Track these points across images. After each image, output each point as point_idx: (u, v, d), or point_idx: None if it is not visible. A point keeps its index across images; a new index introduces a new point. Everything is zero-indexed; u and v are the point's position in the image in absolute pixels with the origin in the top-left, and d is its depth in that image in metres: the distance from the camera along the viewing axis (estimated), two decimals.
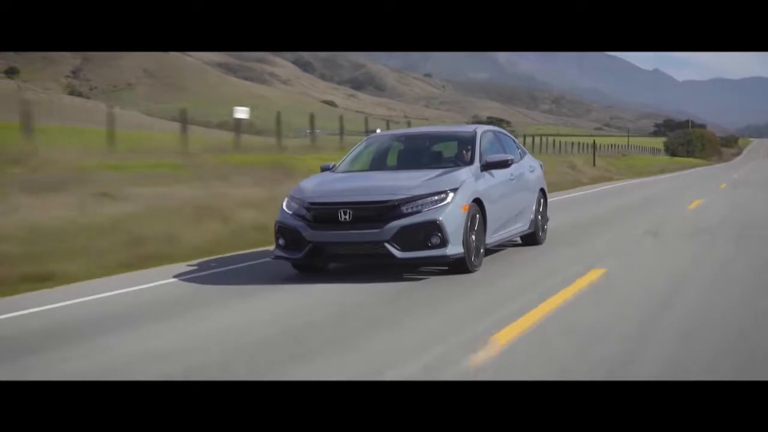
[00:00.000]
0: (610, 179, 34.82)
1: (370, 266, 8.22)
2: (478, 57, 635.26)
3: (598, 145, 49.64)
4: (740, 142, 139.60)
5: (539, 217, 10.35)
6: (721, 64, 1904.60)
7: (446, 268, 8.08)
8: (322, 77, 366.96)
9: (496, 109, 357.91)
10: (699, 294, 7.01)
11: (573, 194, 23.84)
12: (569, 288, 7.18)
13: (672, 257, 9.26)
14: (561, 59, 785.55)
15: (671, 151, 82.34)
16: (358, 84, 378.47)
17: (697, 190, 23.89)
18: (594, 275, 7.85)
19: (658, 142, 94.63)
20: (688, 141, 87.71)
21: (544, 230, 10.60)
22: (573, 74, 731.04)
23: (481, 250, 8.36)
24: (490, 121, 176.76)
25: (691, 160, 72.53)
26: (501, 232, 9.11)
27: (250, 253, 10.46)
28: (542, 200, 10.56)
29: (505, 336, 5.36)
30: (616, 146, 73.60)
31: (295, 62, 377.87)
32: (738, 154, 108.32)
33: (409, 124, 38.90)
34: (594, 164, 39.64)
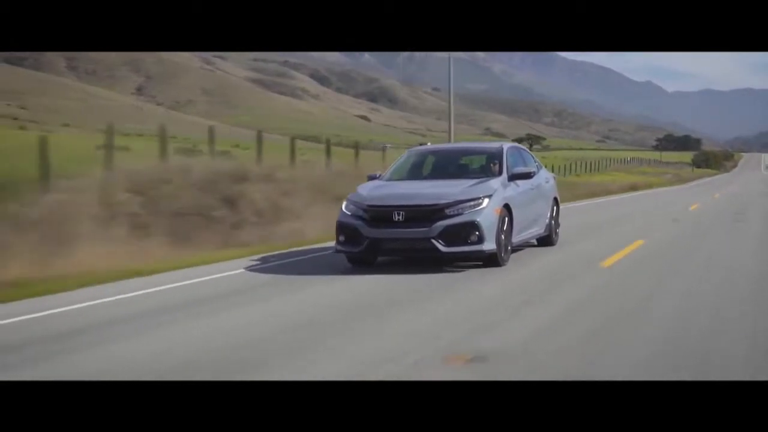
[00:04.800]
0: (704, 176, 78.05)
1: (419, 259, 9.62)
2: (475, 68, 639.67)
3: (642, 159, 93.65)
4: (735, 156, 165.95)
5: (553, 222, 11.60)
6: (710, 76, 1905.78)
7: (480, 262, 9.34)
8: (339, 91, 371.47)
9: (503, 122, 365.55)
10: None
11: (712, 178, 74.68)
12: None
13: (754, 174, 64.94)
14: (555, 70, 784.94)
15: (696, 164, 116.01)
16: (372, 97, 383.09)
17: (739, 177, 72.74)
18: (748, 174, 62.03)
19: (681, 156, 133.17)
20: (706, 158, 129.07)
21: (557, 233, 11.83)
22: (568, 85, 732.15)
23: (509, 248, 9.61)
24: (529, 136, 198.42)
25: (710, 171, 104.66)
26: (523, 234, 10.35)
27: None
28: (555, 207, 11.78)
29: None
30: (650, 161, 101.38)
31: (312, 76, 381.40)
32: (735, 166, 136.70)
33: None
34: (692, 170, 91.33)
